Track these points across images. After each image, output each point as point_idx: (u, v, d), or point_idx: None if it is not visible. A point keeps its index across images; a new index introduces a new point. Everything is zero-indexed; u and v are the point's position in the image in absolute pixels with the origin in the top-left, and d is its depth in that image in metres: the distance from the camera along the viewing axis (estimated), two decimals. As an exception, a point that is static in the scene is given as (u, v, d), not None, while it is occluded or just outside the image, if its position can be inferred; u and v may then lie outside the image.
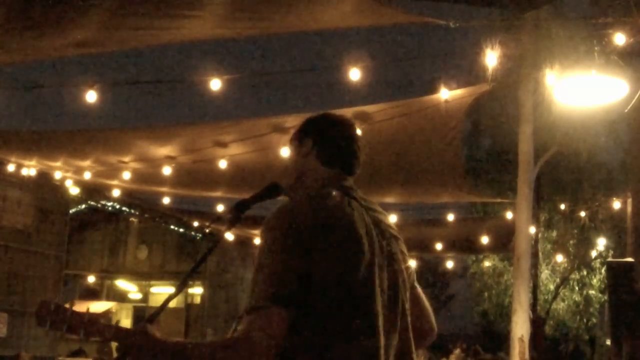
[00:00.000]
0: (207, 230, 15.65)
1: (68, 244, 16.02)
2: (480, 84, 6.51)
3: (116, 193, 11.27)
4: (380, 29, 7.11)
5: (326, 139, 2.04)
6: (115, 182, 10.21)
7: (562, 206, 14.75)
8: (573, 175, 15.82)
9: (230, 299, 19.03)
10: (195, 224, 15.92)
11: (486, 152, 18.28)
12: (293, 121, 6.95)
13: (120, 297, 20.02)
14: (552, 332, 18.96)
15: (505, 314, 17.46)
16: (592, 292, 17.82)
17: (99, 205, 17.74)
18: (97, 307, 16.11)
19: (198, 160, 8.23)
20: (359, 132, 2.09)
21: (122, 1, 4.82)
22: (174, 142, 7.98)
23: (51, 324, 1.81)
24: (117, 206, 17.21)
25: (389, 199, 9.64)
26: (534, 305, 11.64)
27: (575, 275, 17.78)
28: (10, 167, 9.53)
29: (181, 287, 1.94)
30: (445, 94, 6.45)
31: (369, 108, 6.77)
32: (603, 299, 17.05)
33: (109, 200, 16.28)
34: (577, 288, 17.96)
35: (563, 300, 18.15)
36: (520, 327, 6.47)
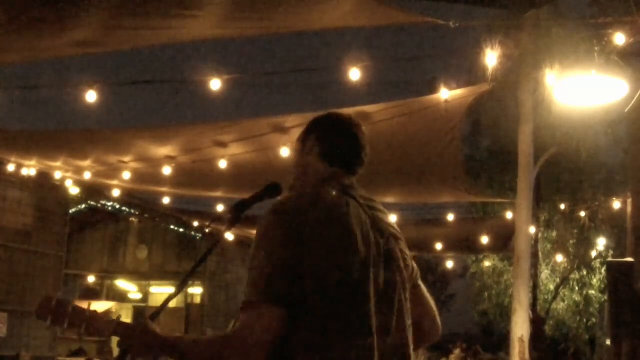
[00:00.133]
0: (207, 231, 15.65)
1: (68, 244, 16.01)
2: (480, 84, 6.51)
3: (116, 193, 11.26)
4: (380, 29, 7.11)
5: (328, 137, 2.04)
6: (115, 182, 10.20)
7: (562, 206, 14.74)
8: (573, 175, 15.82)
9: (230, 299, 19.03)
10: (195, 224, 15.92)
11: (486, 152, 18.28)
12: (293, 121, 6.95)
13: (120, 297, 20.03)
14: (552, 332, 18.95)
15: (505, 314, 17.46)
16: (592, 292, 17.81)
17: (99, 205, 17.75)
18: (97, 307, 16.07)
19: (198, 160, 8.23)
20: (364, 131, 2.07)
21: (122, 1, 4.82)
22: (174, 142, 7.98)
23: (52, 319, 1.81)
24: (117, 206, 17.22)
25: (389, 199, 9.63)
26: (534, 305, 11.65)
27: (575, 275, 17.78)
28: (10, 167, 9.53)
29: (181, 286, 1.95)
30: (445, 94, 6.45)
31: (369, 108, 6.77)
32: (603, 299, 17.05)
33: (109, 200, 16.28)
34: (577, 288, 17.95)
35: (563, 300, 18.14)
36: (520, 327, 6.46)
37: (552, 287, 17.89)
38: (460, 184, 9.16)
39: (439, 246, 13.57)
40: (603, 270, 16.12)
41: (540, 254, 14.83)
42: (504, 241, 12.45)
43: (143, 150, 8.26)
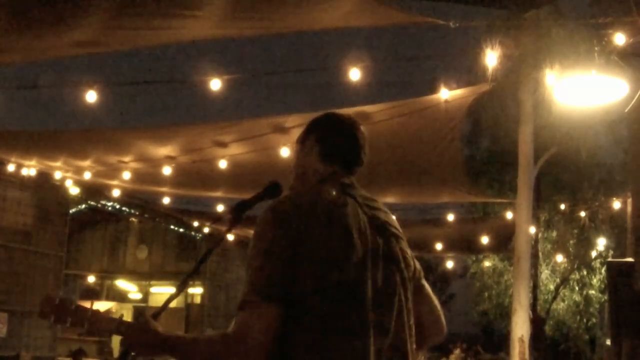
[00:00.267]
0: (207, 231, 15.65)
1: (68, 244, 16.01)
2: (480, 84, 6.50)
3: (116, 193, 11.26)
4: (380, 29, 7.10)
5: (327, 137, 2.04)
6: (115, 182, 10.20)
7: (562, 206, 14.74)
8: (573, 175, 15.82)
9: (230, 299, 19.03)
10: (195, 224, 15.92)
11: (486, 152, 18.28)
12: (293, 121, 6.94)
13: (120, 297, 20.04)
14: (552, 332, 18.95)
15: (505, 314, 17.45)
16: (592, 292, 17.80)
17: (99, 205, 17.75)
18: (97, 307, 16.10)
19: (198, 160, 8.23)
20: (363, 130, 2.08)
21: (122, 1, 4.82)
22: (174, 142, 7.98)
23: (55, 318, 1.82)
24: (117, 206, 17.21)
25: (389, 199, 9.63)
26: (534, 305, 11.64)
27: (575, 275, 17.77)
28: (10, 167, 9.53)
29: (183, 286, 1.96)
30: (445, 94, 6.45)
31: (369, 108, 6.77)
32: (603, 299, 17.04)
33: (109, 200, 16.27)
34: (577, 288, 17.94)
35: (563, 300, 18.13)
36: (520, 327, 6.46)
37: (552, 287, 17.88)
38: (460, 184, 9.17)
39: (439, 246, 13.57)
40: (603, 270, 16.12)
41: (540, 254, 14.82)
42: (504, 241, 12.45)
43: (143, 150, 8.26)
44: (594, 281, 17.67)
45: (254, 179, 8.51)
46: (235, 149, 7.79)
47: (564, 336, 19.86)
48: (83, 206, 18.07)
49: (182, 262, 18.62)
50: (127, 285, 20.38)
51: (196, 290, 18.84)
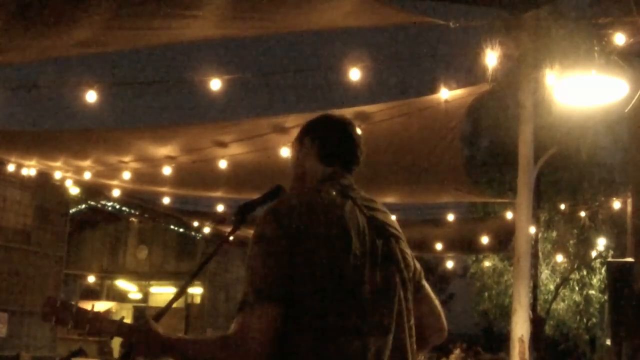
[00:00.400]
0: (209, 232, 15.64)
1: (68, 244, 16.03)
2: (480, 84, 6.50)
3: (116, 193, 11.27)
4: (380, 29, 7.10)
5: (324, 137, 2.06)
6: (115, 182, 10.20)
7: (562, 206, 14.74)
8: (573, 175, 15.82)
9: (230, 299, 19.05)
10: (195, 224, 15.93)
11: (486, 152, 18.28)
12: (293, 121, 6.95)
13: (120, 297, 20.05)
14: (552, 332, 18.95)
15: (505, 314, 17.45)
16: (592, 292, 17.80)
17: (99, 205, 17.77)
18: (97, 307, 16.11)
19: (198, 160, 8.23)
20: (358, 131, 2.10)
21: (122, 1, 4.82)
22: (174, 142, 7.98)
23: (57, 320, 1.83)
24: (117, 206, 17.23)
25: (389, 199, 9.63)
26: (534, 305, 11.65)
27: (575, 275, 17.77)
28: (10, 167, 9.53)
29: (186, 287, 1.97)
30: (445, 94, 6.45)
31: (369, 108, 6.77)
32: (603, 299, 17.03)
33: (109, 200, 16.29)
34: (577, 288, 17.94)
35: (563, 300, 18.13)
36: (520, 327, 6.46)
37: (552, 287, 17.88)
38: (460, 184, 9.17)
39: (439, 246, 13.57)
40: (603, 270, 16.11)
41: (540, 254, 14.82)
42: (504, 241, 12.45)
43: (143, 150, 8.26)
44: (594, 281, 17.67)
45: (254, 179, 8.54)
46: (235, 149, 7.79)
47: (564, 336, 19.87)
48: (83, 206, 18.09)
49: (182, 262, 18.63)
50: (127, 285, 20.39)
51: (196, 290, 18.84)
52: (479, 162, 17.88)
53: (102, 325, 1.85)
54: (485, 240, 12.66)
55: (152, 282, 19.73)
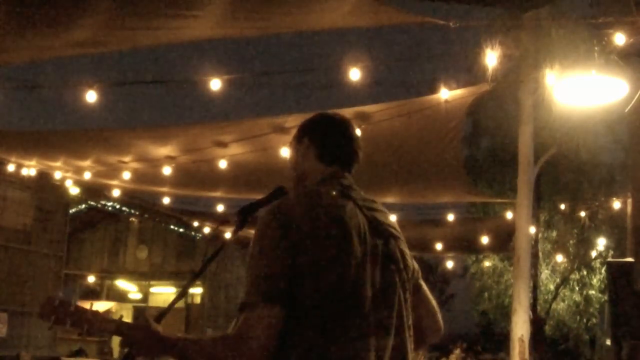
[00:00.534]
0: (210, 232, 15.65)
1: (68, 244, 16.03)
2: (480, 84, 6.50)
3: (116, 193, 11.27)
4: (380, 29, 7.10)
5: (322, 137, 2.06)
6: (115, 182, 10.20)
7: (562, 206, 14.75)
8: (573, 175, 15.83)
9: (230, 299, 19.04)
10: (195, 224, 15.93)
11: (486, 152, 18.28)
12: (293, 121, 6.94)
13: (120, 297, 20.04)
14: (552, 332, 18.96)
15: (505, 314, 17.46)
16: (592, 292, 17.81)
17: (99, 205, 17.77)
18: (97, 307, 16.11)
19: (198, 160, 8.23)
20: (356, 130, 2.10)
21: (122, 1, 4.82)
22: (174, 142, 7.98)
23: (55, 319, 1.83)
24: (117, 206, 17.23)
25: (389, 199, 9.63)
26: (534, 305, 11.66)
27: (575, 275, 17.77)
28: (10, 167, 9.53)
29: (187, 287, 1.96)
30: (445, 94, 6.45)
31: (369, 108, 6.77)
32: (603, 299, 17.04)
33: (109, 200, 16.30)
34: (577, 288, 17.95)
35: (563, 300, 18.14)
36: (520, 327, 6.47)
37: (552, 287, 17.89)
38: (460, 184, 9.17)
39: (439, 246, 13.57)
40: (603, 270, 16.12)
41: (540, 254, 14.83)
42: (504, 241, 12.45)
43: (143, 150, 8.26)
44: (594, 281, 17.68)
45: (254, 179, 8.54)
46: (235, 149, 7.79)
47: (564, 336, 19.87)
48: (83, 206, 18.09)
49: (182, 262, 18.63)
50: (127, 285, 20.38)
51: (196, 290, 18.84)
52: (479, 162, 17.88)
53: (101, 324, 1.84)
54: (485, 240, 12.66)
55: (152, 282, 19.72)
